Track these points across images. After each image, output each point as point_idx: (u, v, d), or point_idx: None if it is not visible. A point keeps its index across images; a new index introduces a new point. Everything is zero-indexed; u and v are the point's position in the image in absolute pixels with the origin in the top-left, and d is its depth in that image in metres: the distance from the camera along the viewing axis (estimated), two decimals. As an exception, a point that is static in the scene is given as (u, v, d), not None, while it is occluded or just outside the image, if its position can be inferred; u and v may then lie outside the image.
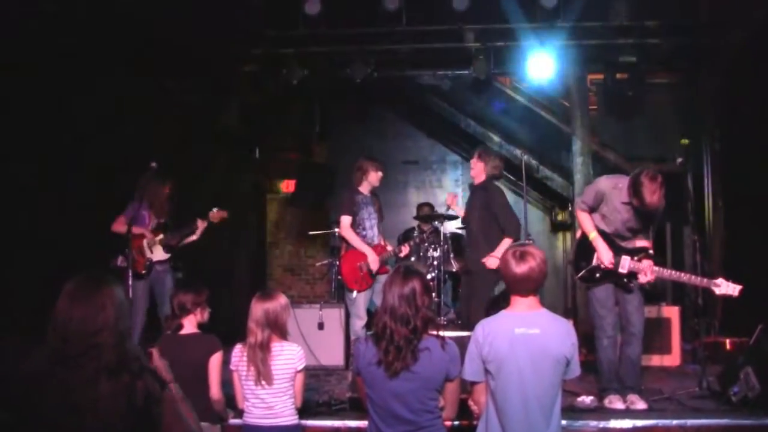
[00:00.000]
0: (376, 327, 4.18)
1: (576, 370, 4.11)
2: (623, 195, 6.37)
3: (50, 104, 7.89)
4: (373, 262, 7.81)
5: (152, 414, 2.99)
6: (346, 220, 7.96)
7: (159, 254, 7.94)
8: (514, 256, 4.07)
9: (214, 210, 8.11)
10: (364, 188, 8.16)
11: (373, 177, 8.14)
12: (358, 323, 7.70)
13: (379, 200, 8.40)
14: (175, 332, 5.22)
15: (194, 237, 8.16)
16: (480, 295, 7.70)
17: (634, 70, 9.89)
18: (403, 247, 8.20)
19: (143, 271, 7.73)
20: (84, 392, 2.85)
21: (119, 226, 7.75)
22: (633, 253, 6.47)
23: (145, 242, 7.82)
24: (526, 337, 3.98)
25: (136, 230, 7.61)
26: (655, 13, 9.37)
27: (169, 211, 8.10)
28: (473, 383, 4.18)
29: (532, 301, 4.10)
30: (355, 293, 7.84)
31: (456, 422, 5.35)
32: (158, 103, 9.39)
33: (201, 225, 8.11)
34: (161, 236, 7.94)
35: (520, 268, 4.03)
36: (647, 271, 6.33)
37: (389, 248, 8.19)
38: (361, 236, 7.96)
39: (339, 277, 8.55)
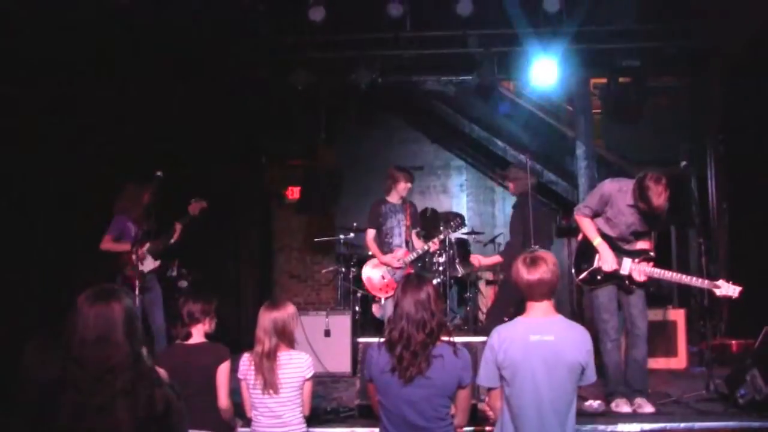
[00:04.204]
0: (392, 334, 4.21)
1: (591, 376, 4.12)
2: (628, 198, 6.38)
3: (52, 111, 7.91)
4: (391, 269, 8.23)
5: (171, 422, 3.01)
6: (369, 233, 8.42)
7: (149, 264, 7.80)
8: (524, 263, 4.10)
9: (192, 202, 8.00)
10: (393, 197, 8.42)
11: (402, 187, 8.39)
12: None
13: (413, 207, 8.62)
14: (184, 341, 5.24)
15: (174, 239, 7.99)
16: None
17: (637, 74, 9.91)
18: (431, 243, 8.38)
19: (141, 284, 7.41)
20: (100, 418, 2.86)
21: (106, 245, 7.70)
22: (634, 255, 6.49)
23: (134, 257, 7.46)
24: (540, 344, 4.00)
25: (123, 247, 7.60)
26: (658, 16, 9.38)
27: (150, 218, 7.77)
28: (489, 389, 4.20)
29: (547, 306, 4.12)
30: (383, 300, 8.31)
31: (468, 428, 5.35)
32: (164, 109, 9.40)
33: (178, 227, 7.96)
34: (147, 245, 7.75)
35: (531, 275, 4.06)
36: (648, 273, 6.36)
37: (418, 245, 8.36)
38: (388, 244, 8.32)
39: (362, 288, 8.77)
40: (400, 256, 8.25)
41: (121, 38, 8.31)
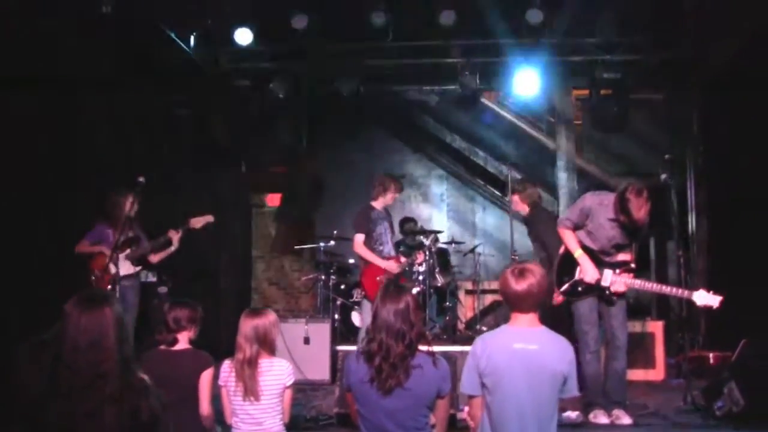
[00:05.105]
0: (370, 345, 4.16)
1: (573, 389, 4.10)
2: (609, 211, 6.40)
3: (40, 119, 7.87)
4: (392, 273, 8.08)
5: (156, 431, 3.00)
6: (358, 237, 8.16)
7: (126, 268, 7.69)
8: (513, 274, 4.07)
9: (196, 215, 7.94)
10: (379, 204, 8.34)
11: (390, 197, 8.35)
12: None
13: (390, 217, 8.61)
14: (169, 348, 5.21)
15: (172, 248, 7.97)
16: None
17: (618, 85, 9.98)
18: (418, 255, 8.52)
19: (108, 288, 7.29)
20: (89, 423, 2.85)
21: (82, 248, 7.69)
22: (615, 266, 6.51)
23: (107, 259, 7.42)
24: (524, 353, 3.98)
25: (96, 249, 7.61)
26: (640, 29, 9.46)
27: (132, 225, 7.79)
28: (470, 397, 4.17)
29: (532, 317, 4.11)
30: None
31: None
32: (146, 117, 9.37)
33: (175, 236, 7.89)
34: (128, 251, 7.71)
35: (520, 286, 4.03)
36: (629, 284, 6.39)
37: (403, 260, 8.47)
38: (379, 251, 8.19)
39: (363, 293, 8.50)
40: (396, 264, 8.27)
41: (102, 46, 8.27)
